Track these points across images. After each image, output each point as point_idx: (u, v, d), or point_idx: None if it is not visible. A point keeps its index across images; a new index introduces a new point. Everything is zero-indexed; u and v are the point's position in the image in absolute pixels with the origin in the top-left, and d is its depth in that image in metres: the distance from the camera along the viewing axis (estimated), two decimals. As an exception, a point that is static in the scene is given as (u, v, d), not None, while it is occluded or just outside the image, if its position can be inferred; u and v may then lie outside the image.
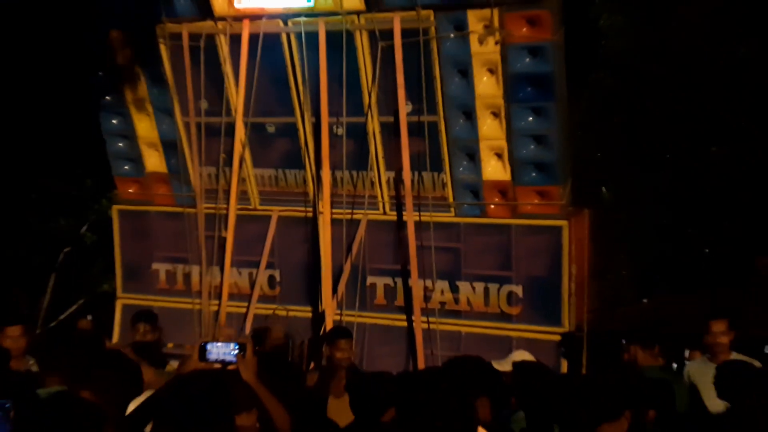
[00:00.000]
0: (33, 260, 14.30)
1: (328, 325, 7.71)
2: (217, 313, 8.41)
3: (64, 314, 14.36)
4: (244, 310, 8.47)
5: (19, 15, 11.40)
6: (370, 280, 8.14)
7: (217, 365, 3.44)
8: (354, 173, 8.10)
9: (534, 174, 7.51)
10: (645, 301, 12.93)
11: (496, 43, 7.13)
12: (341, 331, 6.81)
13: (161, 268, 8.95)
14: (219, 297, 8.43)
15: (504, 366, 5.02)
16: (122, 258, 9.21)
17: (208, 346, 3.43)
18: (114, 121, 8.85)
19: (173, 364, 5.49)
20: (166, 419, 2.86)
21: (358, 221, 8.11)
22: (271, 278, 8.53)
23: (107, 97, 8.73)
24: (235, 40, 7.94)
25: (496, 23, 7.07)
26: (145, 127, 8.73)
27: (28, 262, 14.26)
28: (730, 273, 11.62)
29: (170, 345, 7.81)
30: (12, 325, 5.44)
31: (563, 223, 7.48)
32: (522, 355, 5.72)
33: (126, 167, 9.03)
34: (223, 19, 7.91)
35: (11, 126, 12.77)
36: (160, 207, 8.95)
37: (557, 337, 7.42)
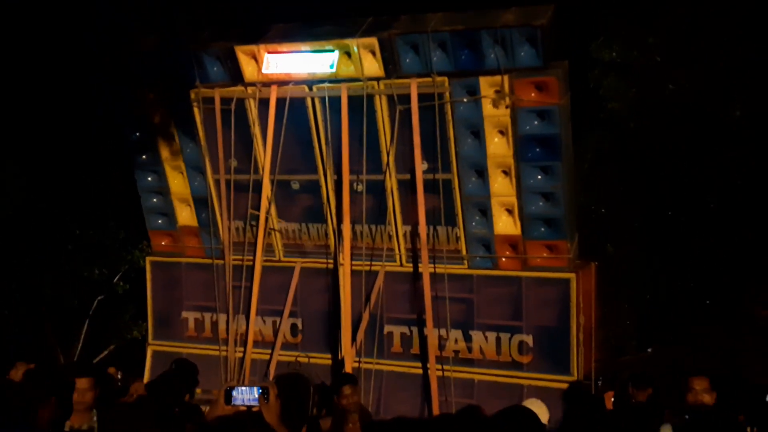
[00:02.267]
0: (67, 307, 14.35)
1: (348, 371, 7.67)
2: (242, 359, 8.37)
3: (96, 359, 14.34)
4: (267, 356, 8.42)
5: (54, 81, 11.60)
6: (387, 328, 8.12)
7: (242, 408, 3.49)
8: (373, 227, 8.11)
9: (543, 229, 7.52)
10: (649, 350, 12.80)
11: (507, 106, 7.21)
12: (345, 377, 6.71)
13: (190, 316, 8.94)
14: (244, 344, 8.38)
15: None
16: (153, 306, 9.20)
17: (234, 392, 3.43)
18: (149, 178, 8.92)
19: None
20: None
21: (377, 272, 8.12)
22: (293, 326, 8.50)
23: (143, 156, 8.81)
24: (263, 103, 8.02)
25: (506, 89, 7.15)
26: (178, 183, 8.80)
27: (62, 309, 14.31)
28: (730, 323, 11.51)
29: (198, 391, 7.78)
30: (81, 377, 4.56)
31: (571, 275, 7.47)
32: (533, 403, 5.64)
33: (159, 221, 9.08)
34: (252, 84, 7.99)
35: (51, 178, 12.94)
36: (191, 258, 8.98)
37: (566, 386, 7.35)
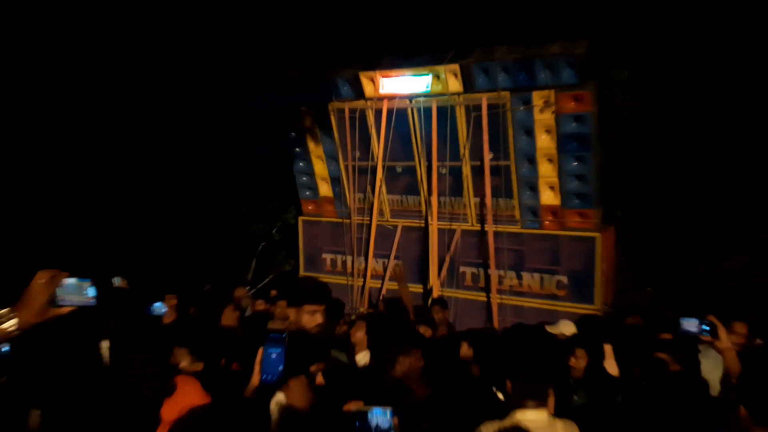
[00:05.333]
0: (239, 253, 14.79)
1: (435, 296, 7.75)
2: (362, 286, 8.56)
3: (261, 284, 14.77)
4: (379, 285, 8.56)
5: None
6: (461, 269, 8.12)
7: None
8: (452, 198, 8.09)
9: (576, 201, 7.35)
10: (648, 289, 12.31)
11: (552, 113, 7.04)
12: (438, 300, 6.81)
13: (327, 257, 9.12)
14: (364, 276, 8.57)
15: (554, 330, 4.91)
16: (304, 249, 9.40)
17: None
18: (301, 164, 9.10)
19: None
20: None
21: (455, 230, 8.13)
22: (397, 265, 8.56)
23: (297, 149, 8.99)
24: (378, 113, 8.08)
25: (552, 100, 6.99)
26: (320, 167, 8.96)
27: (237, 254, 14.76)
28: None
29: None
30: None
31: (597, 234, 7.29)
32: (566, 323, 5.53)
33: (307, 193, 9.26)
34: (371, 99, 8.07)
35: (236, 166, 13.05)
36: (328, 218, 9.12)
37: (590, 312, 7.21)
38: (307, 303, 2.93)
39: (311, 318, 2.91)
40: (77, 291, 1.73)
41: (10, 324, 1.67)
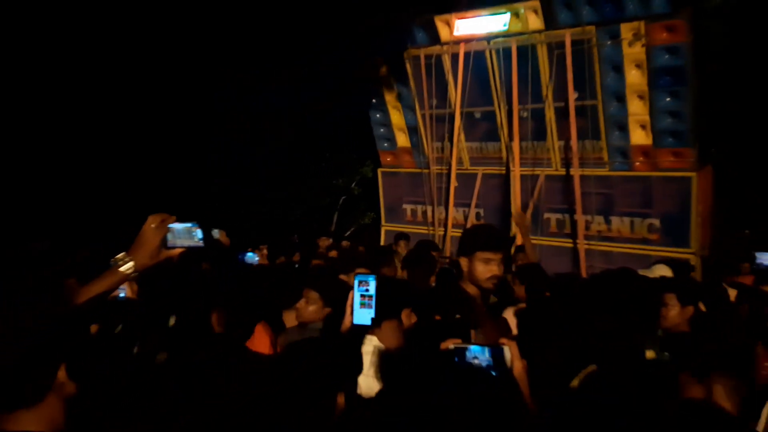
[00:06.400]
0: (322, 205, 15.15)
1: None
2: (443, 236, 8.56)
3: (346, 234, 15.10)
4: (460, 233, 8.52)
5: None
6: (546, 215, 7.89)
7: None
8: (535, 143, 7.80)
9: (670, 139, 6.89)
10: (747, 231, 11.51)
11: (642, 45, 6.55)
12: (520, 248, 6.58)
13: (408, 207, 9.12)
14: (445, 225, 8.55)
15: (647, 273, 4.69)
16: (384, 201, 9.42)
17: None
18: (378, 115, 9.05)
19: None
20: None
21: (537, 176, 7.87)
22: (477, 214, 8.44)
23: (373, 100, 8.93)
24: (455, 57, 7.86)
25: (642, 31, 6.49)
26: (397, 117, 8.88)
27: (318, 207, 15.12)
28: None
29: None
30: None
31: (693, 174, 6.83)
32: (661, 267, 5.29)
33: (385, 144, 9.23)
34: (447, 43, 7.84)
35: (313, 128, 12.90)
36: (407, 169, 9.09)
37: (686, 257, 6.85)
38: (480, 250, 2.61)
39: (486, 268, 2.60)
40: (186, 234, 1.83)
41: (127, 267, 1.80)
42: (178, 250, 1.84)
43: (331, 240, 8.27)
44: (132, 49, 8.97)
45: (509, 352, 1.76)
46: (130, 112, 9.41)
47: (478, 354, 1.75)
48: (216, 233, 5.18)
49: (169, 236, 1.82)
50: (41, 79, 8.49)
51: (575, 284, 4.49)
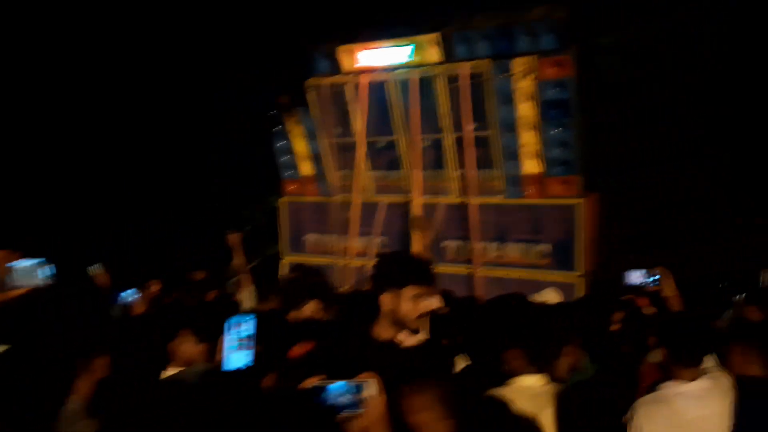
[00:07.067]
0: (224, 238, 14.46)
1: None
2: (347, 266, 8.42)
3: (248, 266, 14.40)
4: (363, 263, 8.39)
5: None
6: (444, 242, 7.98)
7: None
8: (435, 171, 7.93)
9: (559, 168, 7.26)
10: (631, 256, 12.35)
11: (533, 80, 6.94)
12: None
13: (310, 237, 8.99)
14: (352, 255, 8.42)
15: (537, 299, 4.82)
16: (285, 232, 9.24)
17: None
18: (281, 143, 8.91)
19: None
20: None
21: (438, 204, 7.97)
22: (381, 243, 8.37)
23: (277, 128, 8.79)
24: (356, 87, 7.92)
25: (532, 66, 6.88)
26: (300, 146, 8.78)
27: (222, 240, 14.43)
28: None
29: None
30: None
31: (579, 201, 7.22)
32: (550, 291, 5.40)
33: (288, 172, 9.09)
34: (349, 73, 7.90)
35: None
36: (311, 198, 8.96)
37: (573, 280, 7.17)
38: (408, 285, 2.24)
39: (415, 306, 2.23)
40: (29, 273, 1.62)
41: None
42: (17, 292, 1.61)
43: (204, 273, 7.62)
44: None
45: (371, 387, 1.61)
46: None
47: (340, 390, 1.59)
48: (95, 268, 4.75)
49: (8, 277, 1.60)
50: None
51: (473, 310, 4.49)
